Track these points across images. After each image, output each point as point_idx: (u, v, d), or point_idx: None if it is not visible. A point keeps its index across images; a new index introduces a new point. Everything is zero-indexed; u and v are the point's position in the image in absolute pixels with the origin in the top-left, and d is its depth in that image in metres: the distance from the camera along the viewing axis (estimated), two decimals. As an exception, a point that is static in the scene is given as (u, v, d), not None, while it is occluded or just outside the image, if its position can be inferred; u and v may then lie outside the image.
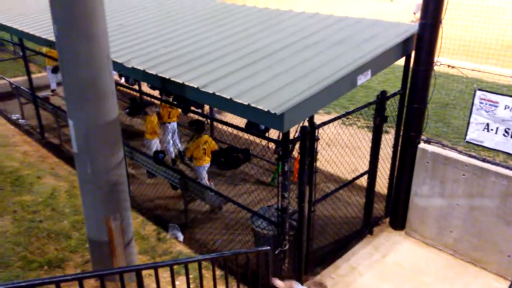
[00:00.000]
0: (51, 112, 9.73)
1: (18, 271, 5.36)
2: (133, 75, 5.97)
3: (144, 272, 4.19)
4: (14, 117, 11.37)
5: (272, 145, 9.36)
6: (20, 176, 8.04)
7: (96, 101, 4.27)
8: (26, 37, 8.42)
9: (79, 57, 4.06)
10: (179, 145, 9.29)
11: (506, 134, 5.30)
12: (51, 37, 7.30)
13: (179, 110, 8.64)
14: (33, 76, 10.45)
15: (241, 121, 6.06)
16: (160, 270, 4.17)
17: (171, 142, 8.99)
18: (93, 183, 4.57)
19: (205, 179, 7.61)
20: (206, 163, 7.57)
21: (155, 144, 8.39)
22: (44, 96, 10.76)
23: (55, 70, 10.35)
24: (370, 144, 6.19)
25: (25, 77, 10.19)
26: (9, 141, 9.90)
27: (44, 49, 10.86)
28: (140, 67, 5.57)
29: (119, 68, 5.89)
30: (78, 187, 6.95)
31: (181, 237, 6.53)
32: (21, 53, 10.06)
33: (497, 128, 5.36)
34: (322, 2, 25.40)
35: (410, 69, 5.95)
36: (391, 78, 13.91)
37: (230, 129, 9.60)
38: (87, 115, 4.29)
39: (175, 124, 9.03)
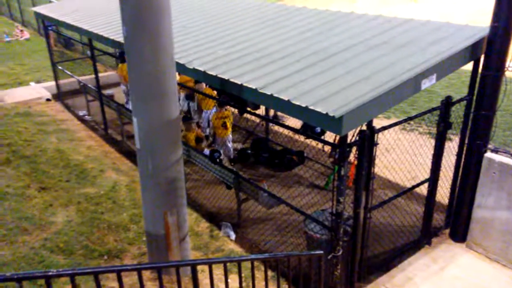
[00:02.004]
0: (115, 109, 10.20)
1: (80, 258, 5.66)
2: (195, 76, 6.11)
3: (197, 269, 4.29)
4: (81, 113, 12.03)
5: (327, 149, 9.25)
6: (84, 169, 8.50)
7: (159, 100, 4.43)
8: (94, 38, 8.89)
9: (145, 57, 4.22)
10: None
11: None
12: (119, 38, 7.67)
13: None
14: (100, 75, 10.99)
15: (296, 124, 6.03)
16: (213, 267, 4.25)
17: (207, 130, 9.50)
18: (153, 179, 4.74)
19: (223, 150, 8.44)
20: (225, 135, 8.53)
21: None
22: (109, 94, 11.29)
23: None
24: (431, 151, 5.94)
25: (92, 76, 10.76)
26: (76, 136, 10.49)
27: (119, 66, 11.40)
28: (201, 68, 5.70)
29: (182, 68, 6.06)
30: (137, 182, 7.24)
31: (233, 235, 6.60)
32: (88, 53, 10.61)
33: None
34: (340, 5, 24.58)
35: (479, 74, 5.65)
36: (456, 84, 13.29)
37: (285, 131, 9.64)
38: (151, 113, 4.46)
39: (211, 113, 9.45)
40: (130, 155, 9.25)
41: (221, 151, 8.40)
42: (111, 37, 7.92)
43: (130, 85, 4.47)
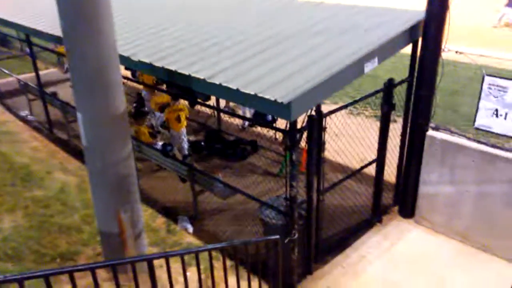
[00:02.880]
0: (59, 107, 9.79)
1: (31, 264, 5.44)
2: (140, 68, 5.98)
3: (155, 264, 4.24)
4: (22, 113, 11.46)
5: (279, 136, 9.37)
6: (30, 171, 8.13)
7: (104, 93, 4.30)
8: (33, 34, 8.47)
9: (86, 50, 4.08)
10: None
11: (515, 120, 5.25)
12: (58, 32, 7.33)
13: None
14: (41, 72, 10.49)
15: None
16: (171, 261, 4.21)
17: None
18: (103, 176, 4.61)
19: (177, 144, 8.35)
20: (179, 129, 8.34)
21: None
22: (51, 92, 10.82)
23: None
24: (378, 134, 6.16)
25: (33, 74, 10.25)
26: (19, 137, 9.99)
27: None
28: (147, 60, 5.58)
29: (126, 61, 5.90)
30: (87, 182, 7.01)
31: (190, 228, 6.57)
32: (27, 50, 10.10)
33: (506, 114, 5.32)
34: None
35: (418, 57, 5.90)
36: (398, 67, 13.76)
37: (237, 121, 9.65)
38: (95, 107, 4.32)
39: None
40: (78, 154, 8.92)
41: (176, 146, 8.30)
42: (50, 32, 7.57)
43: (72, 79, 4.31)
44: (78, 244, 6.04)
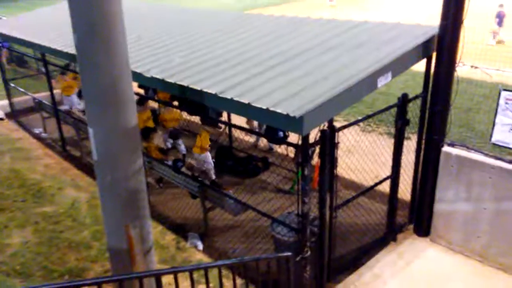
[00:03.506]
0: (72, 125, 9.88)
1: (39, 280, 5.40)
2: (153, 84, 6.00)
3: (163, 281, 4.14)
4: (36, 131, 11.58)
5: (291, 153, 9.29)
6: (42, 188, 8.16)
7: (115, 108, 4.28)
8: (48, 52, 8.60)
9: (99, 64, 4.09)
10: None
11: (534, 135, 5.12)
12: (73, 50, 7.44)
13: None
14: (55, 91, 10.63)
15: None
16: (179, 279, 4.12)
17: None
18: (113, 191, 4.57)
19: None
20: (204, 151, 8.06)
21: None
22: (65, 110, 10.94)
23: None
24: (392, 150, 6.06)
25: (48, 93, 10.38)
26: (32, 154, 10.08)
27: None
28: (159, 76, 5.60)
29: (139, 77, 5.93)
30: (98, 198, 7.02)
31: (200, 246, 6.47)
32: (43, 69, 10.26)
33: (524, 129, 5.19)
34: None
35: (432, 72, 5.83)
36: (411, 85, 13.71)
37: (248, 138, 9.60)
38: (107, 122, 4.31)
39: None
40: (90, 171, 8.95)
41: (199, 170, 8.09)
42: (65, 50, 7.68)
43: (84, 94, 4.32)
44: (87, 260, 5.99)
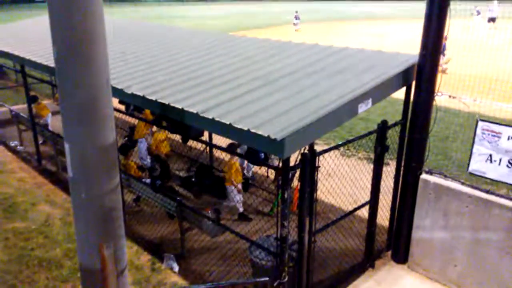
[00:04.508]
0: (50, 138, 9.67)
1: (5, 300, 5.16)
2: (133, 101, 5.93)
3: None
4: (12, 144, 11.30)
5: (271, 175, 9.26)
6: (14, 203, 7.91)
7: (93, 125, 4.19)
8: (27, 64, 8.47)
9: (78, 80, 4.02)
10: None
11: (510, 166, 5.21)
12: (52, 63, 7.33)
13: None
14: (33, 105, 10.44)
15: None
16: (153, 301, 4.00)
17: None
18: (87, 209, 4.43)
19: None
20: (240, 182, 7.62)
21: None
22: (43, 124, 10.73)
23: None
24: (371, 175, 6.09)
25: (25, 105, 10.18)
26: (6, 167, 9.80)
27: None
28: (140, 93, 5.55)
29: (120, 94, 5.87)
30: (72, 214, 6.83)
31: (176, 268, 6.32)
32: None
33: (500, 159, 5.28)
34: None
35: (411, 100, 5.93)
36: (390, 111, 13.94)
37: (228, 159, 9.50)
38: (84, 138, 4.20)
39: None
40: (66, 187, 8.72)
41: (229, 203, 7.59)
42: (45, 63, 7.57)
43: (61, 108, 4.22)
44: (58, 280, 5.78)
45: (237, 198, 7.52)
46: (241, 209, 7.65)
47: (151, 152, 8.86)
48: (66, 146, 4.32)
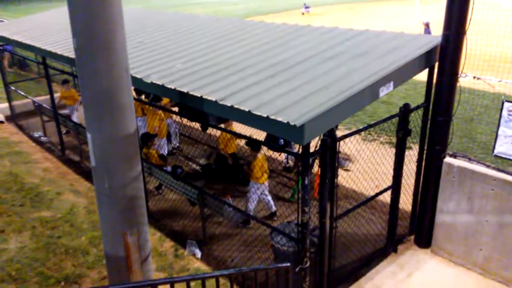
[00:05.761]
0: (72, 129, 9.84)
1: (34, 286, 5.32)
2: (153, 90, 5.96)
3: (161, 290, 4.08)
4: (36, 134, 11.55)
5: (291, 161, 9.23)
6: (40, 192, 8.10)
7: (114, 114, 4.24)
8: (48, 56, 8.58)
9: (98, 69, 4.05)
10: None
11: (537, 147, 5.06)
12: (72, 54, 7.42)
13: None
14: (56, 95, 10.61)
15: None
16: (177, 287, 4.06)
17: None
18: (110, 197, 4.51)
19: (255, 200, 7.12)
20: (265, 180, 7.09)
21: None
22: (66, 114, 10.91)
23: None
24: (393, 160, 6.00)
25: (48, 96, 10.36)
26: (31, 158, 10.03)
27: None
28: (159, 82, 5.57)
29: (139, 83, 5.90)
30: (96, 203, 6.97)
31: (199, 254, 6.40)
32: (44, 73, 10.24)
33: (527, 141, 5.13)
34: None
35: (434, 82, 5.79)
36: (412, 94, 13.70)
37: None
38: (105, 127, 4.26)
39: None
40: (89, 176, 8.89)
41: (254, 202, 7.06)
42: (65, 54, 7.65)
43: (83, 99, 4.28)
44: (84, 266, 5.92)
45: (253, 197, 7.03)
46: (250, 209, 7.00)
47: (219, 152, 8.46)
48: (88, 136, 4.38)
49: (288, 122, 3.97)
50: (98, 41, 3.97)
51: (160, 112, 9.17)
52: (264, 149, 7.12)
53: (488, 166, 5.54)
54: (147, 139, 8.06)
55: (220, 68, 5.73)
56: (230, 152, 8.47)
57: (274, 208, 7.36)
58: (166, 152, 9.39)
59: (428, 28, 21.97)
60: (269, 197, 7.28)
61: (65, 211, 7.43)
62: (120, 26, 4.11)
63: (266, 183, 7.11)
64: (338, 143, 4.82)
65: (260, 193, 7.12)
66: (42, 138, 11.35)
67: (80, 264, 6.00)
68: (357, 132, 5.12)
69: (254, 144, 6.70)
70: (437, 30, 5.84)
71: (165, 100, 9.55)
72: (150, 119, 9.22)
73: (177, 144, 10.54)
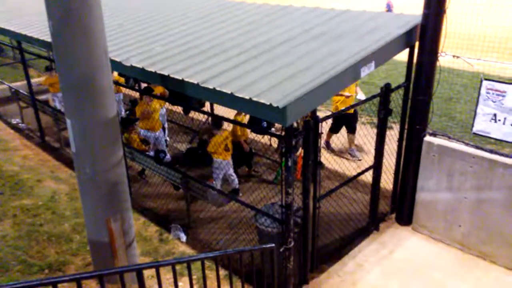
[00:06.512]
0: (51, 115, 9.64)
1: (17, 275, 5.26)
2: (133, 74, 5.86)
3: (146, 274, 4.08)
4: (14, 121, 11.29)
5: (274, 143, 9.26)
6: (20, 180, 7.95)
7: (94, 98, 4.17)
8: (24, 40, 8.34)
9: (76, 53, 3.96)
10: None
11: (514, 124, 5.17)
12: (49, 38, 7.22)
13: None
14: (33, 80, 10.35)
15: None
16: (162, 271, 4.07)
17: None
18: (92, 183, 4.47)
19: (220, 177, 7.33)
20: (228, 157, 7.24)
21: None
22: (44, 100, 10.67)
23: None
24: (374, 140, 6.07)
25: (25, 82, 10.10)
26: (9, 145, 9.82)
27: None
28: (139, 65, 5.47)
29: (118, 67, 5.79)
30: (78, 190, 6.89)
31: (184, 237, 6.42)
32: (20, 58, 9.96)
33: (504, 119, 5.23)
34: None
35: (414, 62, 5.83)
36: (394, 74, 13.80)
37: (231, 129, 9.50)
38: (85, 113, 4.19)
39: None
40: (70, 163, 8.76)
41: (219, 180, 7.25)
42: (42, 38, 7.45)
43: (61, 84, 4.19)
44: (68, 254, 5.87)
45: (216, 172, 7.19)
46: (217, 185, 7.14)
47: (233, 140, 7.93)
48: (68, 122, 4.31)
49: (270, 104, 3.96)
50: (75, 23, 3.87)
51: (154, 105, 8.43)
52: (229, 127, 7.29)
53: (467, 144, 5.65)
54: (128, 124, 7.96)
55: (202, 50, 5.66)
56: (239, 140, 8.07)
57: (236, 185, 7.48)
58: (165, 145, 8.84)
59: (390, 10, 22.21)
60: (234, 175, 7.43)
61: (46, 198, 7.33)
62: (98, 8, 4.01)
63: (230, 160, 7.25)
64: (320, 124, 4.85)
65: (223, 170, 7.21)
66: (20, 124, 11.10)
67: (64, 251, 5.95)
68: (339, 113, 5.15)
69: (214, 122, 6.84)
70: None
71: (158, 90, 8.96)
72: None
73: (167, 138, 9.87)
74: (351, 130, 8.38)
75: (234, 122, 5.93)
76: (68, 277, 2.84)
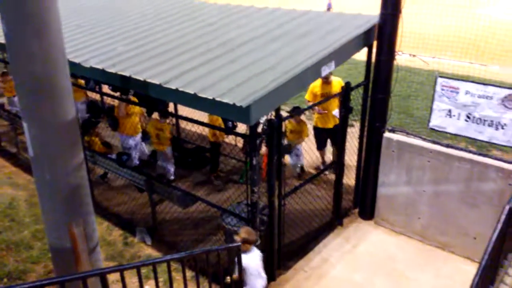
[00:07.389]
0: (7, 119, 9.28)
1: (-26, 286, 5.05)
2: (92, 75, 5.74)
3: (110, 279, 4.01)
4: (-33, 126, 10.77)
5: (240, 143, 9.28)
6: (-25, 187, 7.62)
7: (51, 101, 4.04)
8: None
9: (31, 53, 3.83)
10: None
11: (467, 119, 5.42)
12: (2, 39, 6.94)
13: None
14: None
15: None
16: (127, 275, 4.01)
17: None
18: (52, 187, 4.33)
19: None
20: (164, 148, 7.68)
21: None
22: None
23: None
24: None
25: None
26: (-38, 151, 9.39)
27: None
28: (99, 66, 5.36)
29: (77, 68, 5.65)
30: (38, 195, 6.65)
31: (149, 240, 6.33)
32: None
33: (459, 114, 5.48)
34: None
35: (373, 61, 6.00)
36: (354, 74, 14.10)
37: (196, 129, 9.45)
38: (42, 115, 4.05)
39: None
40: (28, 168, 8.44)
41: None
42: (-6, 39, 7.13)
43: (16, 86, 4.04)
44: (28, 261, 5.69)
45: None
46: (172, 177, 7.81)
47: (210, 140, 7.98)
48: (24, 125, 4.16)
49: (234, 104, 3.99)
50: (30, 22, 3.74)
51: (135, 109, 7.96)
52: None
53: (424, 139, 5.87)
54: (89, 126, 7.77)
55: (164, 50, 5.61)
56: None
57: (172, 176, 7.83)
58: (147, 152, 8.59)
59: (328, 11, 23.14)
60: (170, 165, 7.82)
61: (4, 205, 7.06)
62: (54, 6, 3.89)
63: (168, 150, 7.67)
64: (284, 122, 4.91)
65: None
66: (-28, 130, 10.60)
67: (24, 259, 5.76)
68: (302, 111, 5.24)
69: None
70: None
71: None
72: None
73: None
74: (336, 144, 7.91)
75: (197, 122, 5.89)
76: (28, 284, 2.76)
